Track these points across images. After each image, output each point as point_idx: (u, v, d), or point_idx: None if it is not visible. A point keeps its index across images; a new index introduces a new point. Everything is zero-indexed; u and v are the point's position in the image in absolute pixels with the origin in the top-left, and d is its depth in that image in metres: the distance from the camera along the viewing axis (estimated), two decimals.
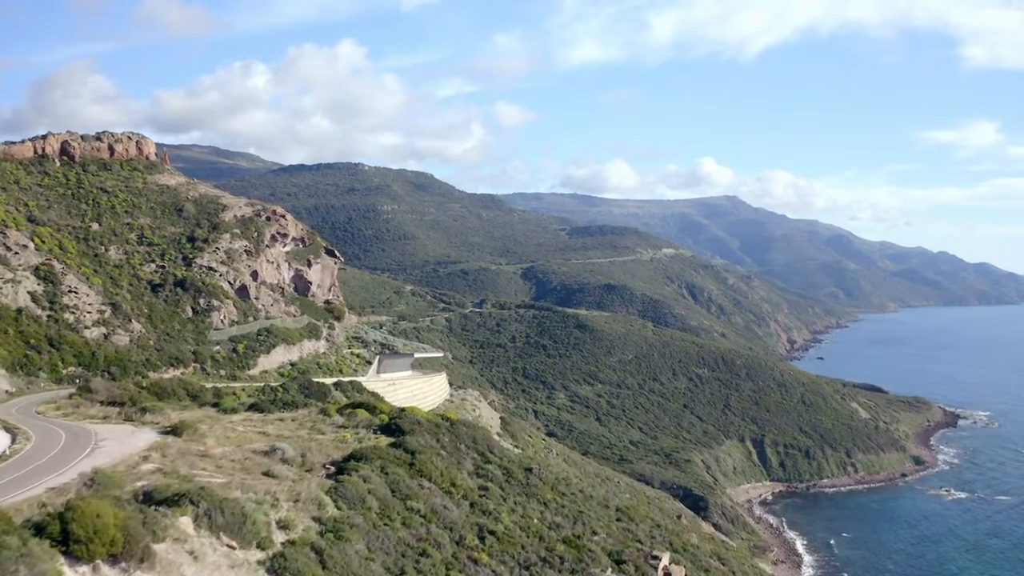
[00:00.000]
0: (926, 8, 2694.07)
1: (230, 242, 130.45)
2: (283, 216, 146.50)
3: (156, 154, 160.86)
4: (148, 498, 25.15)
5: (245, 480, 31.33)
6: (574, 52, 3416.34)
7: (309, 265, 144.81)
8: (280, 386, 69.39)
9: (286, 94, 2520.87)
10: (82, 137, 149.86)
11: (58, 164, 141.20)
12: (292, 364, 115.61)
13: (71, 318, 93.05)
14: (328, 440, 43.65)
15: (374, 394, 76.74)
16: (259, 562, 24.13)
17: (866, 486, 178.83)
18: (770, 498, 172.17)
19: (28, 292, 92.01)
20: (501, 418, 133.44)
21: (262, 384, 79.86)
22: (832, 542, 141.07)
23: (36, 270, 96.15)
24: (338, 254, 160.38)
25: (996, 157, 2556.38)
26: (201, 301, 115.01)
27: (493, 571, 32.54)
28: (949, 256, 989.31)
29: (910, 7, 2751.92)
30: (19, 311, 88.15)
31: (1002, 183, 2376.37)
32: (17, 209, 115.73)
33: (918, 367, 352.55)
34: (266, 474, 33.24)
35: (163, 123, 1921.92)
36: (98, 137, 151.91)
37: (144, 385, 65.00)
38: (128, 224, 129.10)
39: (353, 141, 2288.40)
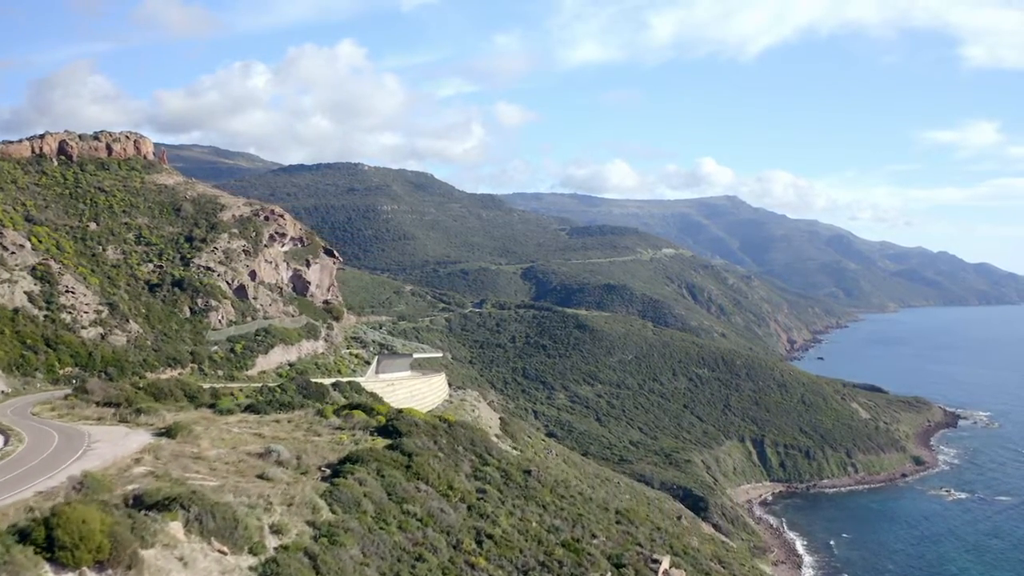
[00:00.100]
0: (926, 8, 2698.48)
1: (228, 242, 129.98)
2: (281, 216, 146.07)
3: (154, 154, 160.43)
4: (138, 502, 24.69)
5: (239, 483, 30.87)
6: (574, 52, 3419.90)
7: (308, 265, 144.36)
8: (278, 387, 69.00)
9: (286, 94, 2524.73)
10: (80, 137, 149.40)
11: (56, 163, 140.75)
12: (290, 364, 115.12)
13: (68, 318, 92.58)
14: (324, 442, 43.18)
15: (372, 395, 76.36)
16: (251, 568, 23.66)
17: (866, 486, 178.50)
18: (770, 498, 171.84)
19: (25, 292, 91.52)
20: (500, 419, 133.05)
21: (260, 385, 79.41)
22: (832, 542, 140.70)
23: (33, 270, 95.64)
24: (337, 254, 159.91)
25: (996, 157, 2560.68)
26: (199, 301, 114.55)
27: None
28: (949, 256, 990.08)
29: (910, 7, 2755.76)
30: (16, 311, 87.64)
31: (1002, 183, 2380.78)
32: (14, 208, 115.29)
33: (918, 367, 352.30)
34: (260, 477, 32.78)
35: (163, 123, 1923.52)
36: (96, 137, 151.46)
37: (141, 386, 64.53)
38: (126, 224, 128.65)
39: (353, 141, 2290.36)
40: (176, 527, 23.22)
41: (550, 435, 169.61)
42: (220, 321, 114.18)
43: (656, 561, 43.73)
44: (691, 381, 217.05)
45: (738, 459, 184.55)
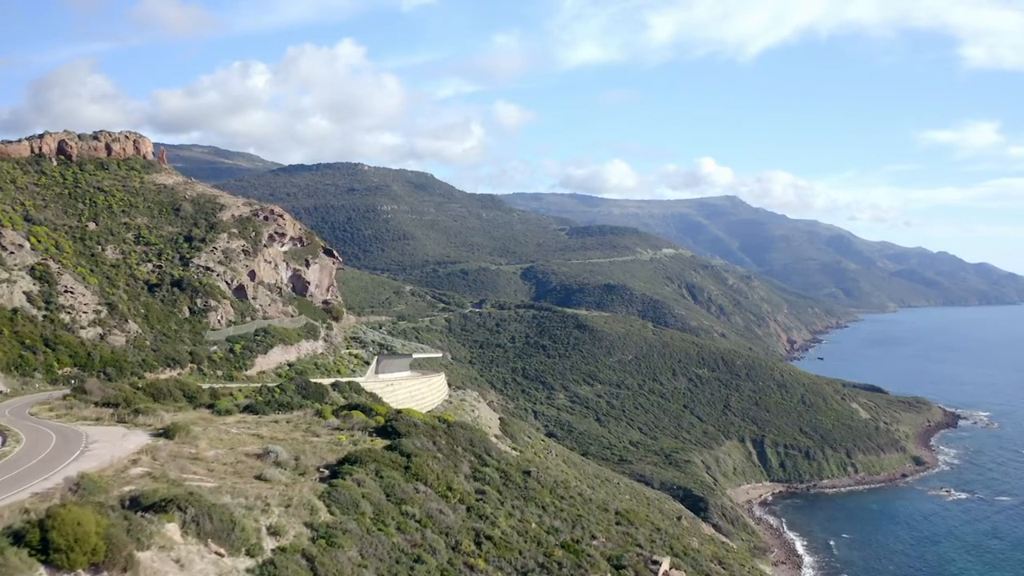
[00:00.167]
0: (926, 8, 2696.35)
1: (227, 242, 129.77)
2: (281, 216, 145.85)
3: (153, 153, 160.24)
4: (135, 504, 24.52)
5: (236, 484, 30.69)
6: (574, 52, 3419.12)
7: (307, 265, 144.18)
8: (277, 387, 68.90)
9: (286, 94, 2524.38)
10: (79, 136, 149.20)
11: (55, 163, 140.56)
12: (290, 365, 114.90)
13: (67, 318, 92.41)
14: (323, 443, 43.02)
15: (372, 395, 76.27)
16: (248, 570, 23.50)
17: (866, 487, 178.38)
18: (770, 499, 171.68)
19: (24, 292, 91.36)
20: (500, 419, 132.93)
21: (259, 385, 79.28)
22: (832, 543, 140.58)
23: (32, 270, 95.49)
24: (336, 254, 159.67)
25: (996, 157, 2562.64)
26: (198, 301, 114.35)
27: None
28: (949, 256, 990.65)
29: (910, 7, 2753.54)
30: (15, 311, 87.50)
31: (1002, 183, 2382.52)
32: (13, 208, 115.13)
33: (918, 367, 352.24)
34: (258, 478, 32.62)
35: (162, 123, 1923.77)
36: (95, 136, 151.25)
37: (140, 386, 64.36)
38: (125, 224, 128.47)
39: (353, 141, 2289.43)
40: (173, 529, 23.05)
41: (550, 435, 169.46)
42: (219, 321, 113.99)
43: (656, 562, 43.56)
44: (691, 381, 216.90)
45: (738, 459, 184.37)
